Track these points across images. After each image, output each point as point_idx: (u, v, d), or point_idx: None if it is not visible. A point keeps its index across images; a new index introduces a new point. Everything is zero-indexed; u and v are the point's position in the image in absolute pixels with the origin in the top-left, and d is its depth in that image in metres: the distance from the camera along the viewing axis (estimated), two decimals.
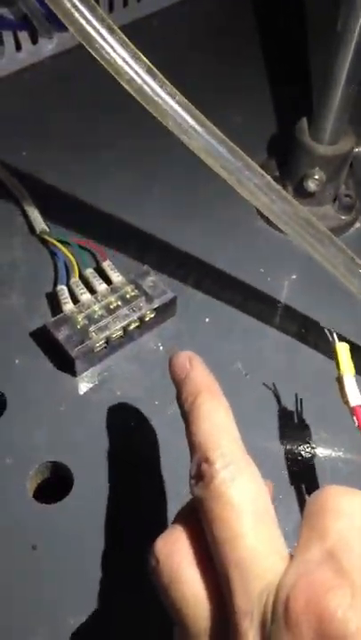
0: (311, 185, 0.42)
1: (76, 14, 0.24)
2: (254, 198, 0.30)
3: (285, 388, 0.37)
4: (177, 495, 0.33)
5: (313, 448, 0.35)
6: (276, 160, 0.47)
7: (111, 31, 0.25)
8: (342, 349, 0.32)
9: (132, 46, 0.26)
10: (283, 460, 0.34)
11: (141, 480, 0.33)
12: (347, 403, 0.30)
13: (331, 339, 0.32)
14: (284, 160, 0.45)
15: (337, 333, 0.32)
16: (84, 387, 0.36)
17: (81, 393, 0.36)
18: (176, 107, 0.27)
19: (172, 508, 0.32)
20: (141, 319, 0.38)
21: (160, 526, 0.31)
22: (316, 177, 0.42)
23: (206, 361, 0.38)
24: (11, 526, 0.32)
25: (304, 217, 0.30)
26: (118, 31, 0.25)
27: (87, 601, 0.30)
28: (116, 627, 0.29)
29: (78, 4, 0.24)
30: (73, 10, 0.24)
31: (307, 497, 0.33)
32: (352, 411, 0.30)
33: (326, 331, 0.32)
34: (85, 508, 0.32)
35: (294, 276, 0.43)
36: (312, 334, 0.40)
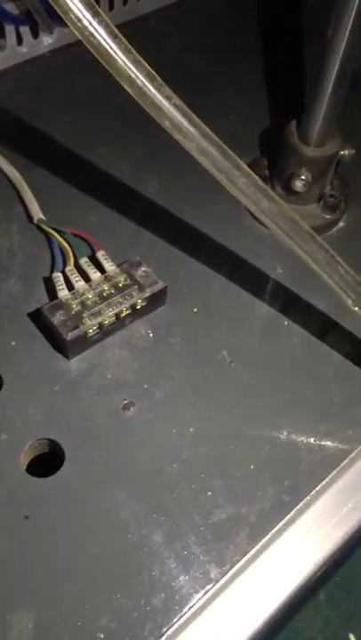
0: (298, 184, 0.44)
1: (85, 22, 0.26)
2: (242, 196, 0.32)
3: (267, 376, 0.39)
4: (161, 472, 0.35)
5: (290, 433, 0.37)
6: (267, 159, 0.49)
7: (114, 37, 0.27)
8: None
9: (134, 51, 0.28)
10: (264, 444, 0.37)
11: (128, 458, 0.36)
12: None
13: None
14: (275, 159, 0.47)
15: None
16: (76, 369, 0.38)
17: (74, 375, 0.38)
18: (172, 109, 0.29)
19: (156, 484, 0.35)
20: (133, 307, 0.40)
21: (146, 498, 0.34)
22: (303, 177, 0.44)
23: (193, 349, 0.40)
24: (4, 497, 0.34)
25: (288, 215, 0.32)
26: (122, 37, 0.27)
27: (77, 568, 0.32)
28: (104, 594, 0.31)
29: (85, 12, 0.26)
30: (82, 18, 0.26)
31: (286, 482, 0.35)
32: None
33: None
34: (76, 481, 0.34)
35: (280, 270, 0.45)
36: (295, 325, 0.42)
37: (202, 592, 0.31)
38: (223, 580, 0.31)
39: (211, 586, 0.31)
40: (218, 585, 0.31)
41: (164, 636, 0.29)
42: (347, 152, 0.46)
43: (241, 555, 0.32)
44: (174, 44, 0.59)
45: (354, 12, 0.38)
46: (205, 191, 0.44)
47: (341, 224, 0.47)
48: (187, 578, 0.32)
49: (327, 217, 0.46)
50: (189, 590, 0.31)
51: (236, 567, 0.32)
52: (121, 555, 0.32)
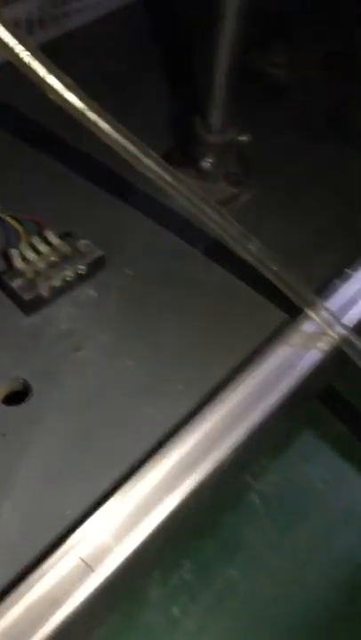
0: (205, 165, 0.54)
1: (17, 50, 0.35)
2: (150, 174, 0.42)
3: (189, 320, 0.50)
4: (107, 396, 0.45)
5: (208, 360, 0.47)
6: (181, 147, 0.59)
7: (42, 61, 0.36)
8: None
9: (57, 69, 0.38)
10: (188, 369, 0.47)
11: (81, 387, 0.45)
12: None
13: None
14: (187, 146, 0.57)
15: None
16: (35, 323, 0.48)
17: (33, 327, 0.48)
18: (91, 114, 0.39)
19: (104, 404, 0.44)
20: (77, 272, 0.50)
21: (97, 413, 0.43)
22: (209, 159, 0.54)
23: (129, 303, 0.50)
24: None
25: (185, 184, 0.42)
26: (43, 56, 0.37)
27: (44, 468, 0.41)
28: (68, 482, 0.41)
29: (11, 41, 0.35)
30: (12, 45, 0.36)
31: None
32: None
33: None
34: (41, 407, 0.44)
35: (202, 238, 0.55)
36: (212, 276, 0.52)
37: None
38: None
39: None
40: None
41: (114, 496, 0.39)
42: (245, 137, 0.57)
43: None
44: (98, 56, 0.69)
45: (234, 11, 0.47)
46: (136, 176, 0.54)
47: (245, 196, 0.58)
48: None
49: (232, 191, 0.57)
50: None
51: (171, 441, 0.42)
52: (80, 451, 0.42)
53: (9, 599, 0.35)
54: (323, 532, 0.64)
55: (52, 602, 0.36)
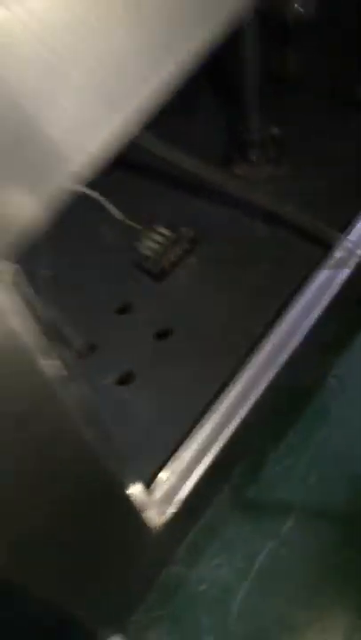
0: (252, 157, 0.80)
1: None
2: (216, 179, 0.68)
3: (259, 267, 0.76)
4: (215, 321, 0.72)
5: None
6: (236, 148, 0.84)
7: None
8: None
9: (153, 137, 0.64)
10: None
11: (202, 316, 0.73)
12: None
13: None
14: (239, 148, 0.82)
15: None
16: (164, 287, 0.76)
17: (164, 289, 0.76)
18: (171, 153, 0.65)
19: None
20: (183, 249, 0.77)
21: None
22: (255, 153, 0.79)
23: (215, 261, 0.76)
24: (149, 349, 0.72)
25: (238, 181, 0.68)
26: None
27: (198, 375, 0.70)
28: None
29: None
30: None
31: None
32: None
33: None
34: (182, 339, 0.72)
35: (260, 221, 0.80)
36: (271, 239, 0.77)
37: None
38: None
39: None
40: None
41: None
42: (275, 130, 0.81)
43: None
44: None
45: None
46: (209, 184, 0.80)
47: (284, 171, 0.82)
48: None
49: (274, 170, 0.81)
50: None
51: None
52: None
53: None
54: None
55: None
